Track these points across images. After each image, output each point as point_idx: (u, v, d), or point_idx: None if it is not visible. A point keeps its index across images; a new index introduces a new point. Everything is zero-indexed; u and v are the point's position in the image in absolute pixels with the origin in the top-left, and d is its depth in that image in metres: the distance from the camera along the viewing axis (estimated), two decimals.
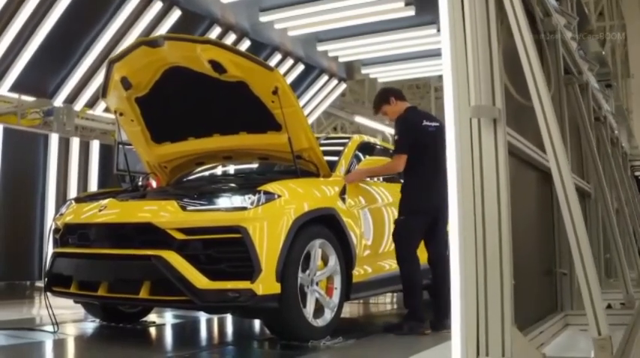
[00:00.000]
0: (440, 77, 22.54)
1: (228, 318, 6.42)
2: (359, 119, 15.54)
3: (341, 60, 12.15)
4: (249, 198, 4.62)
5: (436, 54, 11.69)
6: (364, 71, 12.80)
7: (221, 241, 4.48)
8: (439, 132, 5.53)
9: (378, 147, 6.81)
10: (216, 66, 5.02)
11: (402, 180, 5.85)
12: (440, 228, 5.60)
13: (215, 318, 6.42)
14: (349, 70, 13.44)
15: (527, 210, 3.30)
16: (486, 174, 2.18)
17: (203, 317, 6.45)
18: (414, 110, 5.97)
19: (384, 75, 13.34)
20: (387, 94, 5.95)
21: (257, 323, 6.07)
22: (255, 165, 6.70)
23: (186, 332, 6.02)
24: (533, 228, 3.40)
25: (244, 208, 4.56)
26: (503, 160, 2.18)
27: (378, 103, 5.97)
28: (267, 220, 4.58)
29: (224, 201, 4.65)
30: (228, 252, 4.48)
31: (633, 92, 21.69)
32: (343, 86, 13.96)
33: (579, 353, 3.18)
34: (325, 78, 13.30)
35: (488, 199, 2.17)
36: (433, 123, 5.76)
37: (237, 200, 4.63)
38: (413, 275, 5.53)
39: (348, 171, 5.83)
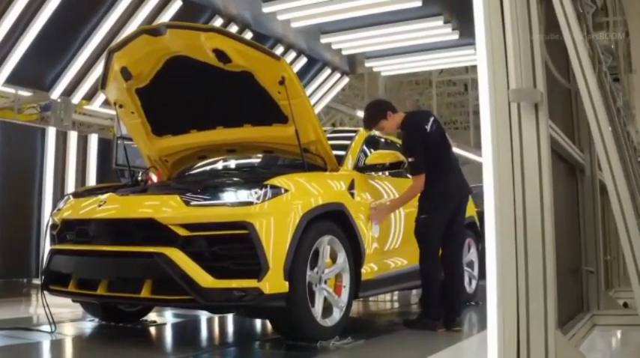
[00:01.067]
0: (441, 71, 22.46)
1: (229, 317, 6.21)
2: (361, 114, 15.30)
3: (344, 52, 11.96)
4: (256, 192, 4.42)
5: (443, 47, 11.55)
6: (368, 64, 12.60)
7: (226, 238, 4.29)
8: (439, 127, 5.72)
9: (382, 140, 6.60)
10: (220, 55, 4.83)
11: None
12: (455, 227, 5.66)
13: (216, 318, 6.21)
14: (352, 64, 13.25)
15: (556, 205, 3.09)
16: (527, 165, 1.97)
17: (204, 316, 6.25)
18: (413, 118, 5.83)
19: (388, 68, 13.15)
20: (384, 108, 5.79)
21: (259, 323, 5.88)
22: (257, 160, 6.50)
23: (187, 332, 5.83)
24: (560, 224, 3.20)
25: (250, 203, 4.37)
26: (546, 150, 1.98)
27: (374, 119, 5.77)
28: (275, 215, 4.39)
29: (229, 196, 4.45)
30: (233, 248, 4.29)
31: (635, 88, 21.54)
32: (346, 80, 13.76)
33: (618, 355, 2.99)
34: (328, 71, 13.10)
35: (530, 193, 1.97)
36: (430, 122, 5.70)
37: (242, 194, 4.43)
38: (433, 273, 5.53)
39: (355, 166, 5.67)
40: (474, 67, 22.91)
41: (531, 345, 1.97)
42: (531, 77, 2.00)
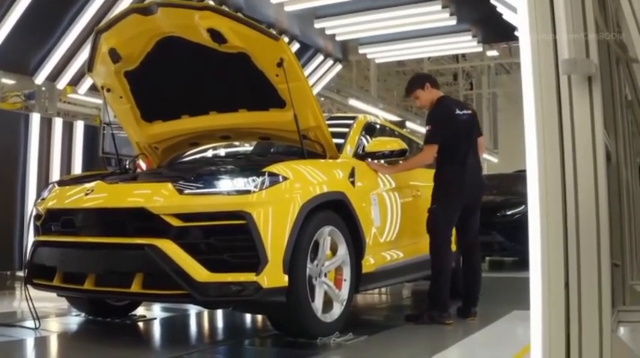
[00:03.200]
0: (429, 59, 22.22)
1: (220, 311, 5.93)
2: (353, 102, 15.08)
3: (338, 38, 11.69)
4: (254, 180, 4.18)
5: (439, 33, 11.28)
6: (362, 51, 12.33)
7: (222, 228, 4.05)
8: (471, 120, 5.64)
9: (379, 127, 6.34)
10: (215, 35, 4.58)
11: (436, 169, 5.65)
12: (472, 217, 5.61)
13: (205, 312, 5.94)
14: (345, 50, 12.98)
15: None
16: (580, 146, 1.72)
17: (193, 310, 5.98)
18: (447, 99, 5.91)
19: (383, 55, 12.88)
20: (423, 80, 5.82)
21: (252, 317, 5.62)
22: (250, 147, 6.23)
23: (179, 328, 5.56)
24: None
25: (248, 191, 4.12)
26: (601, 129, 1.73)
27: (412, 87, 5.82)
28: (274, 205, 4.15)
29: (225, 184, 4.19)
30: (230, 240, 4.04)
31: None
32: (338, 67, 13.48)
33: None
34: (320, 58, 12.80)
35: (583, 177, 1.71)
36: (465, 112, 5.66)
37: (239, 182, 4.18)
38: (444, 264, 5.42)
39: (355, 154, 5.41)
40: (465, 56, 22.87)
41: (584, 350, 1.72)
42: (583, 46, 1.76)
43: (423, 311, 5.42)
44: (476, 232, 5.70)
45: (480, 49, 12.50)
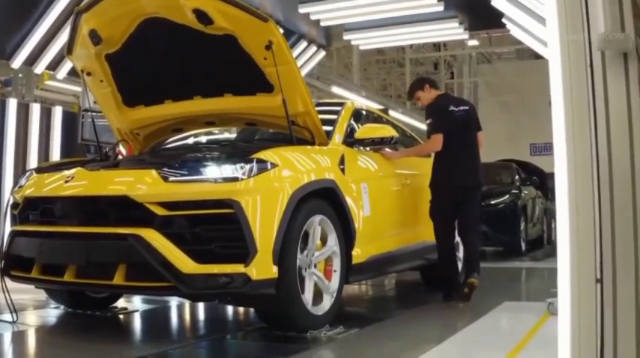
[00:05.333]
0: (411, 47, 22.06)
1: (203, 303, 5.72)
2: (336, 90, 14.89)
3: (323, 24, 11.45)
4: (242, 167, 4.01)
5: (427, 19, 11.11)
6: (346, 37, 12.11)
7: (210, 217, 3.87)
8: (467, 115, 6.06)
9: (366, 113, 6.18)
10: (201, 16, 4.39)
11: (433, 162, 6.12)
12: (468, 204, 6.01)
13: (188, 303, 5.75)
14: (329, 37, 12.77)
15: None
16: (614, 125, 1.57)
17: (175, 301, 5.79)
18: (444, 97, 6.37)
19: (367, 42, 12.68)
20: (422, 82, 6.35)
21: (235, 309, 5.45)
22: (234, 134, 6.03)
23: (162, 321, 5.38)
24: None
25: (236, 179, 3.95)
26: (638, 108, 1.58)
27: (413, 90, 6.37)
28: (263, 193, 3.99)
29: (212, 171, 4.02)
30: (217, 230, 3.87)
31: None
32: (322, 54, 13.28)
33: None
34: (304, 44, 12.57)
35: (618, 167, 1.56)
36: (461, 108, 6.08)
37: (227, 169, 4.01)
38: (449, 249, 6.06)
39: (344, 141, 5.24)
40: (447, 45, 22.73)
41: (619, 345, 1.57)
42: (618, 19, 1.60)
43: (443, 289, 6.06)
44: (473, 217, 6.09)
45: (466, 36, 12.34)
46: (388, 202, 5.59)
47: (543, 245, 13.58)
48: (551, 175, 12.24)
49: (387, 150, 5.80)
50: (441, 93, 6.38)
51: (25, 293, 5.37)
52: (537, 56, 25.47)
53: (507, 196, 11.24)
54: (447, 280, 6.06)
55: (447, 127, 5.89)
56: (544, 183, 14.30)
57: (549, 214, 14.50)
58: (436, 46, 23.27)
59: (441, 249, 6.03)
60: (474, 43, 19.59)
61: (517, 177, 12.49)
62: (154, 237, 3.81)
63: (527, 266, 10.28)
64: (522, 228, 11.69)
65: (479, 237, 6.55)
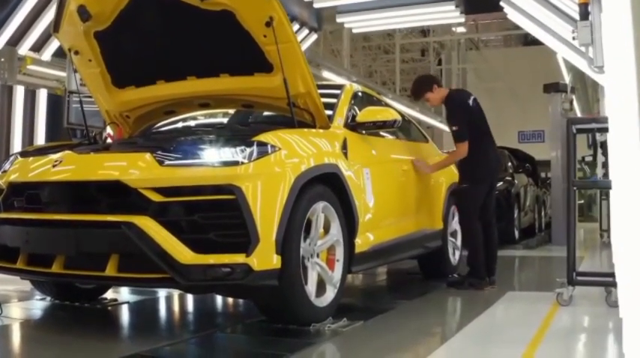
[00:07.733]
0: (404, 35, 21.81)
1: (189, 295, 5.46)
2: (326, 74, 14.61)
3: (316, 5, 11.13)
4: (242, 150, 3.77)
5: (422, 2, 10.84)
6: (339, 20, 11.77)
7: (208, 204, 3.63)
8: (478, 104, 6.17)
9: (365, 96, 5.94)
10: None
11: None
12: (489, 196, 6.16)
13: (175, 294, 5.50)
14: (321, 19, 12.46)
15: None
16: None
17: (164, 292, 5.54)
18: (458, 94, 6.51)
19: (360, 25, 12.34)
20: (430, 83, 6.29)
21: (231, 300, 5.21)
22: (226, 118, 5.76)
23: (154, 314, 5.14)
24: None
25: (237, 163, 3.71)
26: None
27: (420, 91, 6.31)
28: (265, 178, 3.76)
29: (210, 154, 3.77)
30: (217, 217, 3.63)
31: None
32: (314, 37, 12.96)
33: None
34: (296, 27, 12.25)
35: None
36: (472, 99, 6.17)
37: (226, 153, 3.76)
38: (476, 239, 6.01)
39: (345, 124, 5.01)
40: (435, 31, 22.47)
41: None
42: None
43: (464, 277, 6.04)
44: (492, 210, 6.26)
45: (462, 19, 12.09)
46: (390, 189, 5.41)
47: (535, 233, 13.42)
48: (542, 163, 12.04)
49: (419, 161, 5.95)
50: (448, 90, 6.43)
51: (8, 283, 5.18)
52: (525, 43, 25.47)
53: (501, 183, 11.00)
54: (472, 272, 5.99)
55: (471, 121, 5.96)
56: (535, 170, 14.14)
57: (540, 202, 14.34)
58: (424, 33, 23.03)
59: (479, 239, 5.98)
60: (461, 29, 19.38)
61: (509, 164, 12.30)
62: (148, 225, 3.56)
63: (521, 254, 10.13)
64: (516, 215, 11.53)
65: (496, 232, 6.48)
